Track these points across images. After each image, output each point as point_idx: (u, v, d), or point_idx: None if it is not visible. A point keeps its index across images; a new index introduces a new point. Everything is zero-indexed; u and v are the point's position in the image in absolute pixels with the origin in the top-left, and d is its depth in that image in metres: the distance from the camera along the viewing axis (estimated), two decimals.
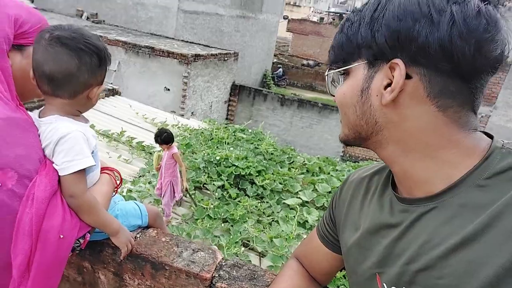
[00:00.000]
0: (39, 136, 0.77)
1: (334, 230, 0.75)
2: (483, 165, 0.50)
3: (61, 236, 0.74)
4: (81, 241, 0.84)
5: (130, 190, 3.51)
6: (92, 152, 0.83)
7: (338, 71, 0.60)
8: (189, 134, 5.54)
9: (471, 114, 0.52)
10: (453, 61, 0.48)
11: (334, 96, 0.63)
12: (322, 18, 31.16)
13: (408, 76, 0.51)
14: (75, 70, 0.76)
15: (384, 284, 0.56)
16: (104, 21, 10.62)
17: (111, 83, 7.73)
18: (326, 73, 0.63)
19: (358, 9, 0.58)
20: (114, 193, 0.94)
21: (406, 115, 0.53)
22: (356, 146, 0.64)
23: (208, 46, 10.46)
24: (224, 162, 4.13)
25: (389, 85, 0.52)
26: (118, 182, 0.95)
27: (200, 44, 10.46)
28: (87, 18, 10.47)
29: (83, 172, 0.79)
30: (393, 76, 0.52)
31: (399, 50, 0.51)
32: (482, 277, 0.44)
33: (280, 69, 18.98)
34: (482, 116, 10.19)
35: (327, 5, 36.88)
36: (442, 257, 0.48)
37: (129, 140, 4.82)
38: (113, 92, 6.56)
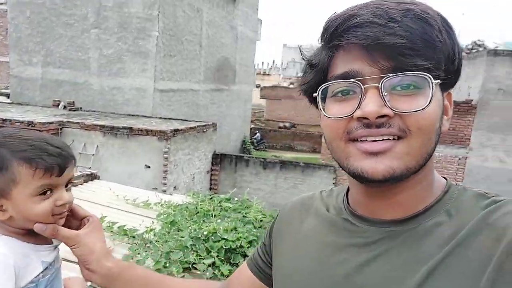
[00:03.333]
0: None
1: (269, 260, 0.71)
2: (446, 196, 0.52)
3: None
4: None
5: None
6: (32, 282, 0.68)
7: (442, 82, 0.47)
8: (173, 211, 5.35)
9: None
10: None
11: (413, 111, 0.46)
12: (292, 83, 32.91)
13: None
14: None
15: None
16: (81, 108, 10.78)
17: (89, 168, 7.61)
18: (433, 81, 0.46)
19: (429, 7, 0.48)
20: None
21: None
22: (394, 183, 0.50)
23: (186, 120, 10.66)
24: (213, 237, 3.94)
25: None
26: None
27: (178, 119, 10.66)
28: (64, 107, 10.62)
29: None
30: (445, 105, 0.51)
31: (457, 80, 0.51)
32: None
33: (258, 134, 19.52)
34: (459, 158, 10.46)
35: (294, 71, 39.27)
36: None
37: (110, 226, 4.58)
38: (92, 177, 6.41)
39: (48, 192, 0.70)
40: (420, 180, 0.52)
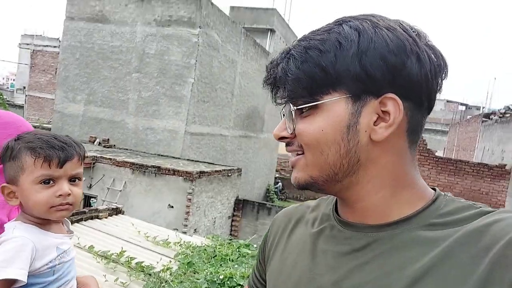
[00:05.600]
0: None
1: (263, 277, 0.72)
2: (432, 206, 0.52)
3: None
4: None
5: None
6: (48, 267, 0.75)
7: (310, 105, 0.52)
8: (191, 252, 5.32)
9: None
10: (430, 97, 0.52)
11: (292, 133, 0.55)
12: None
13: None
14: None
15: None
16: (114, 145, 11.28)
17: (116, 203, 7.79)
18: (291, 109, 0.54)
19: (311, 37, 0.54)
20: None
21: (386, 150, 0.52)
22: (313, 191, 0.58)
23: (213, 164, 10.85)
24: (228, 282, 3.86)
25: (377, 120, 0.51)
26: None
27: (205, 162, 10.88)
28: (99, 144, 11.15)
29: (2, 282, 0.69)
30: (387, 111, 0.50)
31: (392, 84, 0.50)
32: None
33: (280, 183, 19.35)
34: None
35: None
36: None
37: (128, 261, 4.61)
38: (116, 211, 6.55)
39: (51, 183, 0.77)
40: (376, 188, 0.53)
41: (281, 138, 0.57)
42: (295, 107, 0.54)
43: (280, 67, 0.54)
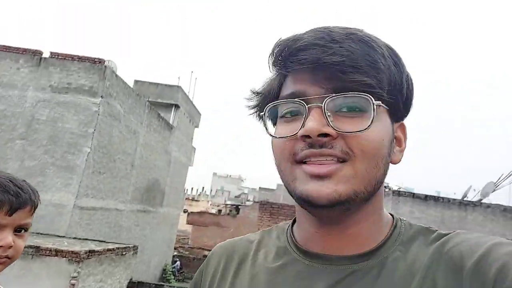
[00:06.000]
0: None
1: None
2: (395, 231, 0.52)
3: None
4: None
5: None
6: None
7: (392, 109, 0.48)
8: None
9: None
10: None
11: (354, 132, 0.46)
12: (220, 210, 32.89)
13: None
14: None
15: None
16: None
17: None
18: (374, 102, 0.45)
19: (369, 35, 0.49)
20: None
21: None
22: (338, 211, 0.48)
23: (105, 242, 9.80)
24: None
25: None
26: None
27: (95, 240, 9.76)
28: None
29: None
30: (397, 137, 0.51)
31: (407, 113, 0.52)
32: None
33: (178, 262, 18.22)
34: None
35: (223, 199, 39.80)
36: None
37: None
38: None
39: None
40: (372, 212, 0.51)
41: (320, 135, 0.46)
42: (380, 103, 0.46)
43: (351, 48, 0.46)
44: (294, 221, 0.59)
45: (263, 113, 0.52)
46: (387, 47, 0.50)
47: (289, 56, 0.48)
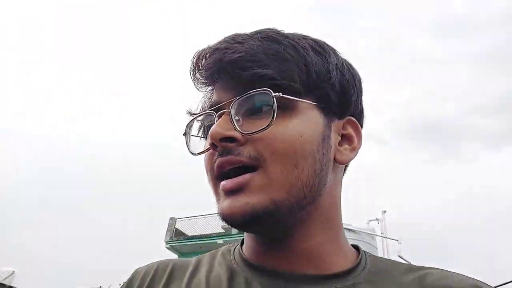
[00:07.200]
0: None
1: None
2: (362, 260, 0.47)
3: None
4: None
5: None
6: None
7: (295, 99, 0.42)
8: None
9: None
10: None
11: (245, 134, 0.42)
12: None
13: None
14: None
15: None
16: None
17: None
18: (273, 94, 0.41)
19: (279, 31, 0.47)
20: None
21: (336, 180, 0.48)
22: (258, 228, 0.44)
23: None
24: None
25: (340, 141, 0.48)
26: None
27: None
28: None
29: None
30: (347, 135, 0.48)
31: (355, 109, 0.49)
32: None
33: None
34: None
35: None
36: None
37: None
38: None
39: None
40: (325, 222, 0.46)
41: (224, 140, 0.42)
42: (280, 94, 0.41)
43: (252, 44, 0.43)
44: (243, 242, 0.53)
45: (184, 132, 0.48)
46: (306, 39, 0.47)
47: (197, 67, 0.46)
